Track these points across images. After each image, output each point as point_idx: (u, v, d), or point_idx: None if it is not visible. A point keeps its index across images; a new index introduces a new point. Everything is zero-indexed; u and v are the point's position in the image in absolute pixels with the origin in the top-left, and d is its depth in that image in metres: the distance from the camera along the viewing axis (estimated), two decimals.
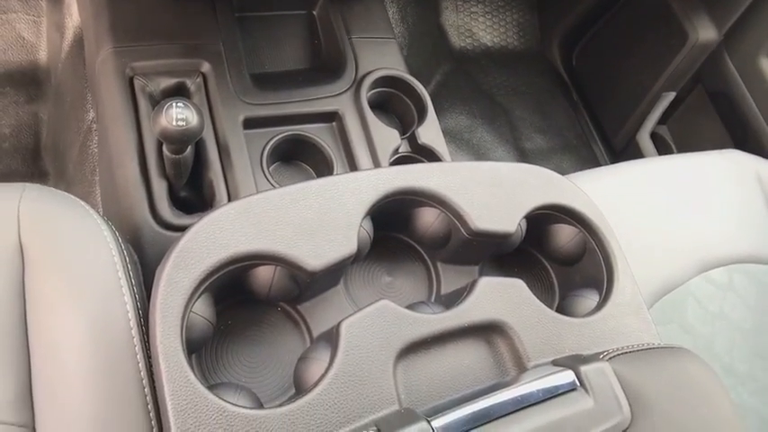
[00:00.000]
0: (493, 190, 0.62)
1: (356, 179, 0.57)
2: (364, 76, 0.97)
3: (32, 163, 1.29)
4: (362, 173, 0.58)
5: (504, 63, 1.75)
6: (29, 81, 1.31)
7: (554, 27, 1.79)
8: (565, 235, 0.68)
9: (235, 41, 0.94)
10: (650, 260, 0.86)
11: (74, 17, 1.17)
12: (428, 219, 0.63)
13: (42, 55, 1.32)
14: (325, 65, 1.02)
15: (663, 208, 0.92)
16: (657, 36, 1.51)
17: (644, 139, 1.54)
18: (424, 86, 1.00)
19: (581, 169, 1.62)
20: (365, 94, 0.95)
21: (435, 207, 0.62)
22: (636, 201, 0.91)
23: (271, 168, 0.90)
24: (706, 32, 1.41)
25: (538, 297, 0.59)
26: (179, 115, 0.66)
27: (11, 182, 0.65)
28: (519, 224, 0.63)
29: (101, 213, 0.66)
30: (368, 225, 0.59)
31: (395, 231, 0.67)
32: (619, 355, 0.56)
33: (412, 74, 1.02)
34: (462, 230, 0.61)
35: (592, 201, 0.67)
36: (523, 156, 1.63)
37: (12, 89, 1.31)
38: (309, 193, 0.55)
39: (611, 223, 0.68)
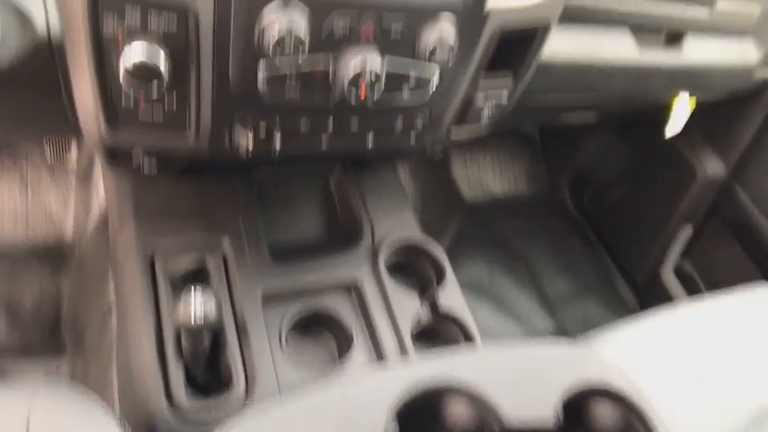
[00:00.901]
0: (523, 380, 0.59)
1: (377, 383, 0.54)
2: (381, 243, 0.98)
3: (51, 337, 1.29)
4: (383, 374, 0.56)
5: (516, 210, 1.79)
6: (54, 255, 1.35)
7: (562, 172, 1.84)
8: (603, 415, 0.63)
9: (253, 216, 0.97)
10: (699, 420, 0.80)
11: (100, 195, 1.22)
12: (458, 410, 0.59)
13: (68, 230, 1.36)
14: (342, 232, 1.03)
15: (705, 360, 0.86)
16: (666, 173, 1.53)
17: (668, 277, 1.51)
18: (440, 240, 1.01)
19: (608, 312, 1.58)
20: (383, 261, 0.96)
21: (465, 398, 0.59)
22: (674, 356, 0.86)
23: (290, 336, 0.88)
24: (713, 168, 1.43)
25: None
26: (198, 312, 0.66)
27: (28, 355, 0.64)
28: (556, 412, 0.59)
29: (116, 396, 0.63)
30: (393, 428, 0.55)
31: (422, 422, 0.63)
32: None
33: (427, 229, 1.04)
34: (495, 427, 0.57)
35: (627, 376, 0.64)
36: (547, 303, 1.59)
37: (36, 263, 1.34)
38: (327, 405, 0.52)
39: (651, 384, 0.63)
